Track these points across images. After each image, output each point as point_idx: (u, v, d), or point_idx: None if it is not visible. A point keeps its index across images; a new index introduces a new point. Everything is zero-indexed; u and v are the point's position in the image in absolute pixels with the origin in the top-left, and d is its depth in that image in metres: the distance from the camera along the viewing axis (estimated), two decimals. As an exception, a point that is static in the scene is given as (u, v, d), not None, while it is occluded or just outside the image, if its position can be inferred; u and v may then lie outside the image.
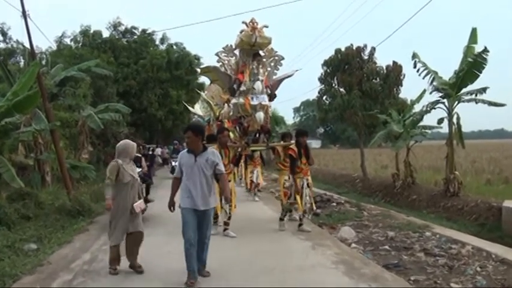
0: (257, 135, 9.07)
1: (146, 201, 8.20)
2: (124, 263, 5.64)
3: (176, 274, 5.24)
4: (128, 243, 5.65)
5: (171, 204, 5.27)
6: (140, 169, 8.73)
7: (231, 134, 8.52)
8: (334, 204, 11.59)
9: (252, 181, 12.78)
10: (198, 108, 15.40)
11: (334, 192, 15.85)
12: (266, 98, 8.44)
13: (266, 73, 8.73)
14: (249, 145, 8.79)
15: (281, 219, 8.20)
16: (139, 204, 5.68)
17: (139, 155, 9.76)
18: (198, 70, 21.72)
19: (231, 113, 9.06)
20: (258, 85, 8.20)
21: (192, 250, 4.97)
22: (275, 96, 8.83)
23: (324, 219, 9.62)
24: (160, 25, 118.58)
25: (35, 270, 5.78)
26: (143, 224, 5.86)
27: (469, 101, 12.17)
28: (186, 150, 5.36)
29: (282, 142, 9.18)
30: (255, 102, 8.25)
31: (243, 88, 8.33)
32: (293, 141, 8.35)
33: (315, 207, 8.16)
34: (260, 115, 8.26)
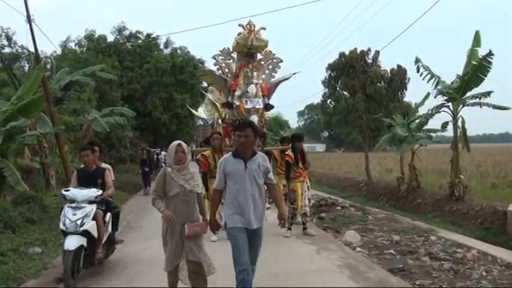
0: None
1: (113, 242, 6.21)
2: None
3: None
4: (189, 274, 4.56)
5: (214, 224, 4.38)
6: (99, 192, 5.54)
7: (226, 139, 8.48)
8: (339, 208, 11.55)
9: None
10: (201, 111, 15.30)
11: (339, 196, 15.83)
12: (260, 101, 8.32)
13: (263, 76, 8.69)
14: None
15: (289, 228, 7.98)
16: (194, 225, 4.41)
17: (104, 166, 6.25)
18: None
19: (227, 117, 9.05)
20: (252, 88, 8.11)
21: (249, 278, 4.01)
22: (272, 107, 8.77)
23: (328, 223, 9.60)
24: (164, 29, 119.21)
25: (40, 274, 5.81)
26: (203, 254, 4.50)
27: (473, 104, 12.12)
28: (230, 154, 4.36)
29: (280, 146, 9.14)
30: (248, 105, 8.16)
31: (237, 92, 8.29)
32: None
33: (308, 213, 8.16)
34: (254, 119, 8.20)
